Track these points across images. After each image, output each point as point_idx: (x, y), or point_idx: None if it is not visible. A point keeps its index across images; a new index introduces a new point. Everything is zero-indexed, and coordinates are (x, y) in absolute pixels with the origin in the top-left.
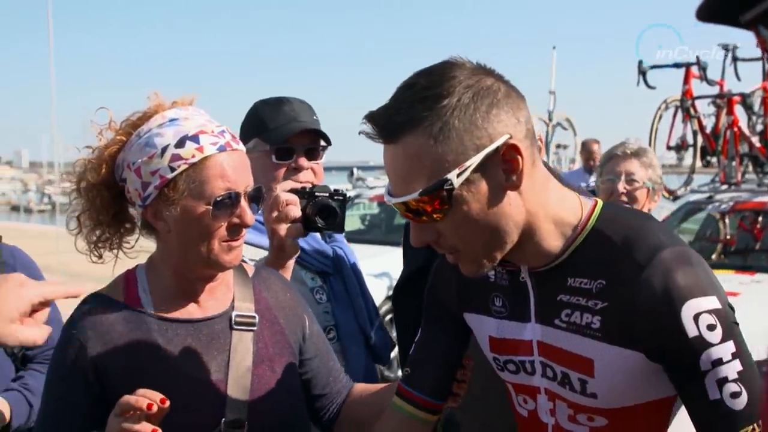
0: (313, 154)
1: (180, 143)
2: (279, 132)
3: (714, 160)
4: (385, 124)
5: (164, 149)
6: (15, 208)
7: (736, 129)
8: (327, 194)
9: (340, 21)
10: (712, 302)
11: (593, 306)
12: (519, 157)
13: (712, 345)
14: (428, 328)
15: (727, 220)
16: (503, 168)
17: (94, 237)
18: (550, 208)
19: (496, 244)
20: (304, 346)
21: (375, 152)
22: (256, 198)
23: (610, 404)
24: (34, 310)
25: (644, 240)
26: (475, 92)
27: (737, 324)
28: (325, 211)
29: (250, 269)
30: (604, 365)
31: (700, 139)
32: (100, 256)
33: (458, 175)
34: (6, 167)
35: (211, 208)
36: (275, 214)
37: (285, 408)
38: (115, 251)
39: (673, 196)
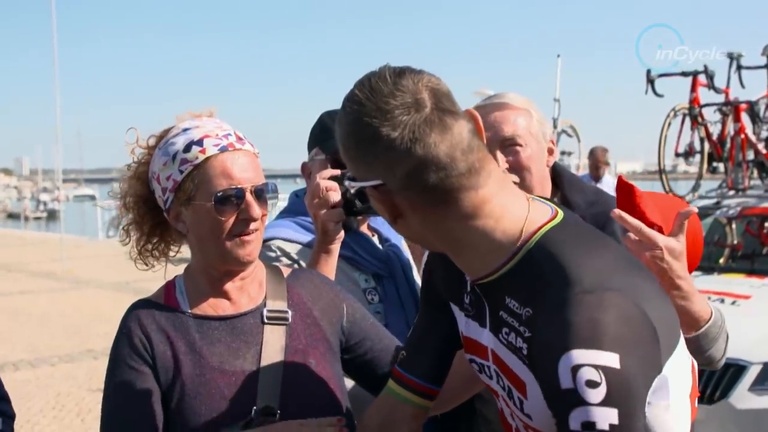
0: None
1: (187, 148)
2: (335, 142)
3: (720, 166)
4: None
5: (175, 155)
6: (11, 216)
7: (743, 136)
8: None
9: (334, 29)
10: (606, 359)
11: (523, 332)
12: (382, 204)
13: (588, 404)
14: (425, 311)
15: (734, 226)
16: (381, 203)
17: (139, 246)
18: (478, 230)
19: (423, 245)
20: (350, 332)
21: None
22: (272, 194)
23: (546, 429)
24: None
25: (566, 278)
26: (358, 135)
27: (640, 400)
28: (363, 194)
29: (287, 271)
30: (533, 391)
31: (707, 146)
32: (147, 265)
33: (351, 186)
34: (1, 174)
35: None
36: (316, 200)
37: (319, 397)
38: (163, 261)
39: None
